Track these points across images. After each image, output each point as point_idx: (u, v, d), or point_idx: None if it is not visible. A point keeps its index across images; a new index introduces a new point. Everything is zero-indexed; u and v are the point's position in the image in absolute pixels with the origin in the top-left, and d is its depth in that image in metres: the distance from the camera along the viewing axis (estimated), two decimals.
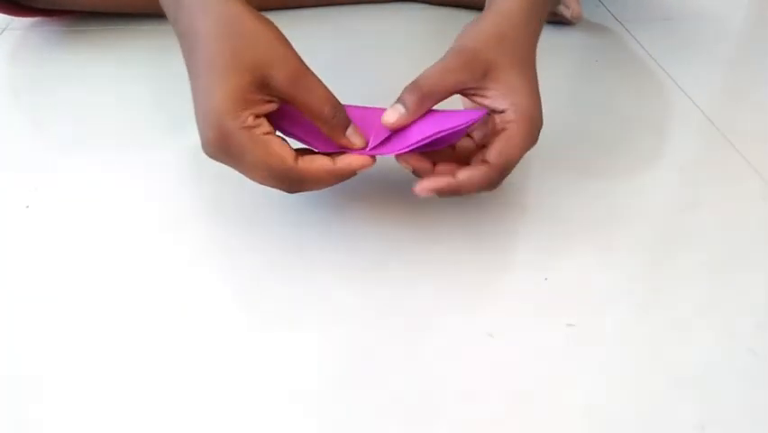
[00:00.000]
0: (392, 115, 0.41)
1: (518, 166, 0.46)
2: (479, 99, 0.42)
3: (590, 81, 0.64)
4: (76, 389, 0.36)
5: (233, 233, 0.45)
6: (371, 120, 0.42)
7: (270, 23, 0.39)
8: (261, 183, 0.40)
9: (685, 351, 0.39)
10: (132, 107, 0.57)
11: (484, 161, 0.40)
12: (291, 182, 0.39)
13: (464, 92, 0.42)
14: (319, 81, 0.40)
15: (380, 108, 0.42)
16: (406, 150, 0.41)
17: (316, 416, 0.35)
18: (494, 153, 0.40)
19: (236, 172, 0.40)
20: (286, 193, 0.41)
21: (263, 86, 0.38)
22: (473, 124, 0.41)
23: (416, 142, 0.40)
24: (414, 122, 0.41)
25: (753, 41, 0.74)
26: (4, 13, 0.65)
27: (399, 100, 0.41)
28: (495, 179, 0.41)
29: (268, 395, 0.36)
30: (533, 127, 0.41)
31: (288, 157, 0.38)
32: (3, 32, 0.68)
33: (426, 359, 0.38)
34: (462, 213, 0.47)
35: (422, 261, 0.44)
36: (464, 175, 0.40)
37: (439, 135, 0.40)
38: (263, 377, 0.37)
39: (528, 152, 0.49)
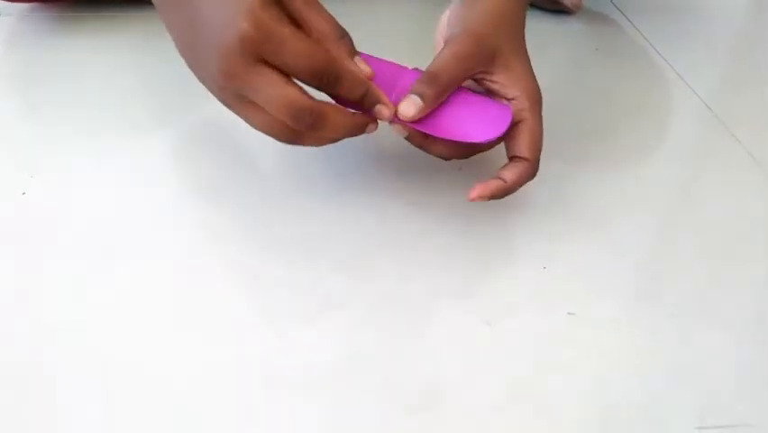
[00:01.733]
0: (410, 109, 0.40)
1: None
2: (487, 84, 0.42)
3: (590, 70, 0.64)
4: (72, 378, 0.36)
5: (231, 220, 0.45)
6: (393, 76, 0.42)
7: None
8: (281, 101, 0.37)
9: (685, 340, 0.39)
10: (129, 93, 0.56)
11: (520, 157, 0.42)
12: (329, 76, 0.38)
13: (474, 77, 0.42)
14: (327, 11, 0.40)
15: (403, 67, 0.43)
16: (436, 134, 0.41)
17: (315, 405, 0.35)
18: (527, 148, 0.42)
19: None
20: (292, 141, 0.40)
21: (281, 3, 0.38)
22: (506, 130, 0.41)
23: (443, 135, 0.41)
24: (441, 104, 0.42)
25: (753, 30, 0.74)
26: None
27: (416, 92, 0.40)
28: (536, 171, 0.43)
29: (266, 385, 0.36)
30: (541, 108, 0.43)
31: (329, 52, 0.38)
32: None
33: (425, 347, 0.38)
34: (461, 201, 0.47)
35: (420, 249, 0.44)
36: (512, 176, 0.42)
37: (469, 141, 0.41)
38: (261, 366, 0.37)
39: None
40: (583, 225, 0.46)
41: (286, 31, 0.36)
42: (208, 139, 0.52)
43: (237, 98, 0.38)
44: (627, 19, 0.72)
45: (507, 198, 0.47)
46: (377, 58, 0.43)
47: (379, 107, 0.40)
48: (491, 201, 0.47)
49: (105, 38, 0.64)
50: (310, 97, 0.37)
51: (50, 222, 0.44)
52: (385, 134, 0.43)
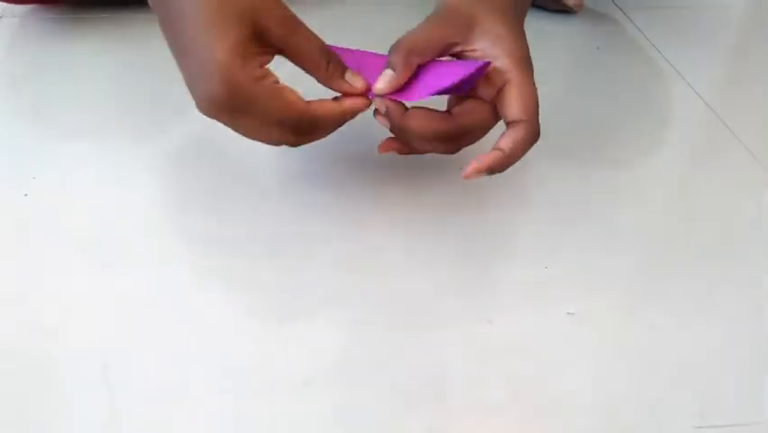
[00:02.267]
0: (383, 82, 0.40)
1: None
2: (468, 55, 0.41)
3: (591, 69, 0.64)
4: (72, 379, 0.36)
5: (233, 218, 0.45)
6: (371, 64, 0.42)
7: None
8: (267, 138, 0.39)
9: (685, 338, 0.39)
10: (133, 95, 0.57)
11: (515, 121, 0.39)
12: (303, 129, 0.39)
13: (453, 51, 0.41)
14: (310, 31, 0.39)
15: (379, 55, 0.42)
16: (412, 98, 0.40)
17: (317, 402, 0.35)
18: (518, 108, 0.39)
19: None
20: (288, 147, 0.41)
21: (259, 38, 0.37)
22: (479, 74, 0.39)
23: (421, 96, 0.40)
24: (416, 75, 0.40)
25: (753, 28, 0.74)
26: (1, 0, 0.65)
27: (388, 64, 0.40)
28: (536, 132, 0.40)
29: (266, 383, 0.36)
30: (530, 69, 0.40)
31: (301, 103, 0.38)
32: None
33: (426, 345, 0.38)
34: (463, 200, 0.47)
35: (422, 247, 0.44)
36: (509, 143, 0.39)
37: (445, 89, 0.39)
38: (262, 364, 0.37)
39: None
40: (584, 225, 0.46)
41: (257, 90, 0.36)
42: (211, 139, 0.52)
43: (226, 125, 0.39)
44: (629, 18, 0.72)
45: (507, 198, 0.47)
46: (367, 52, 0.43)
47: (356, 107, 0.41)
48: (493, 199, 0.47)
49: (106, 39, 0.64)
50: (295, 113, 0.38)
51: (52, 223, 0.44)
52: (387, 133, 0.43)
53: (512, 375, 0.37)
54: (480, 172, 0.39)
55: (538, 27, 0.46)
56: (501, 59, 0.40)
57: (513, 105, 0.39)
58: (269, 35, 0.38)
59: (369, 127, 0.43)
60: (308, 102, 0.39)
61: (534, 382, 0.37)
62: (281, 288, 0.41)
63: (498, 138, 0.40)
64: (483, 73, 0.40)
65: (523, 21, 0.43)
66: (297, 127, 0.38)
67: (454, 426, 0.34)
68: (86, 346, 0.37)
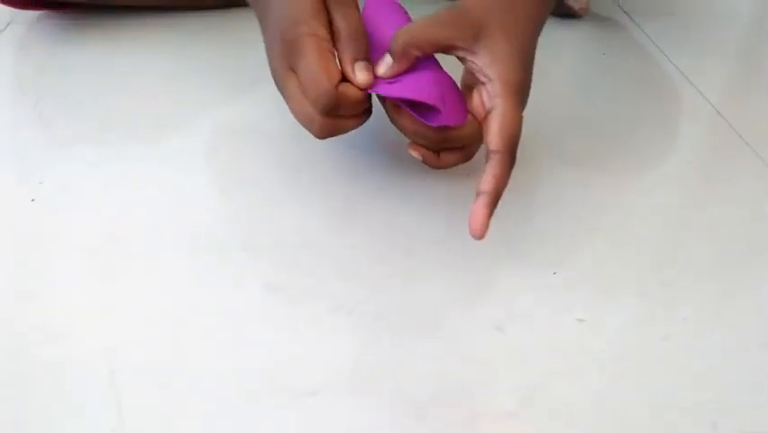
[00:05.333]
0: (382, 68, 0.41)
1: (527, 159, 0.46)
2: (469, 64, 0.41)
3: (598, 75, 0.64)
4: (79, 384, 0.36)
5: (237, 226, 0.45)
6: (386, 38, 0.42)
7: None
8: (301, 109, 0.41)
9: (697, 346, 0.39)
10: (138, 100, 0.57)
11: (492, 151, 0.39)
12: (329, 104, 0.40)
13: (454, 51, 0.41)
14: (353, 10, 0.42)
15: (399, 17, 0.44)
16: (391, 97, 0.41)
17: (325, 412, 0.35)
18: (495, 137, 0.39)
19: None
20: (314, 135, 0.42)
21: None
22: (445, 123, 0.40)
23: (398, 97, 0.41)
24: (412, 70, 0.41)
25: (762, 34, 0.74)
26: (10, 5, 0.65)
27: (389, 50, 0.41)
28: (511, 161, 0.39)
29: (274, 390, 0.36)
30: (519, 96, 0.40)
31: (335, 76, 0.40)
32: (8, 25, 0.67)
33: (434, 353, 0.38)
34: (470, 207, 0.47)
35: (430, 254, 0.44)
36: (492, 183, 0.39)
37: (411, 98, 0.40)
38: (271, 371, 0.36)
39: (537, 147, 0.49)
40: (593, 231, 0.46)
41: (306, 47, 0.39)
42: (216, 146, 0.52)
43: (280, 89, 0.43)
44: (635, 23, 0.72)
45: (516, 204, 0.47)
46: (398, 17, 0.44)
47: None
48: (501, 205, 0.46)
49: (116, 45, 0.64)
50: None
51: (59, 228, 0.44)
52: (394, 140, 0.43)
53: (523, 383, 0.36)
54: (485, 224, 0.39)
55: (544, 32, 0.45)
56: (493, 83, 0.40)
57: (491, 133, 0.39)
58: (327, 3, 0.41)
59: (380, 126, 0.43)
60: (341, 82, 0.40)
61: (545, 391, 0.36)
62: (285, 297, 0.41)
63: (481, 179, 0.39)
64: (445, 125, 0.41)
65: (533, 37, 0.43)
66: (319, 105, 0.40)
67: None
68: (94, 351, 0.37)
